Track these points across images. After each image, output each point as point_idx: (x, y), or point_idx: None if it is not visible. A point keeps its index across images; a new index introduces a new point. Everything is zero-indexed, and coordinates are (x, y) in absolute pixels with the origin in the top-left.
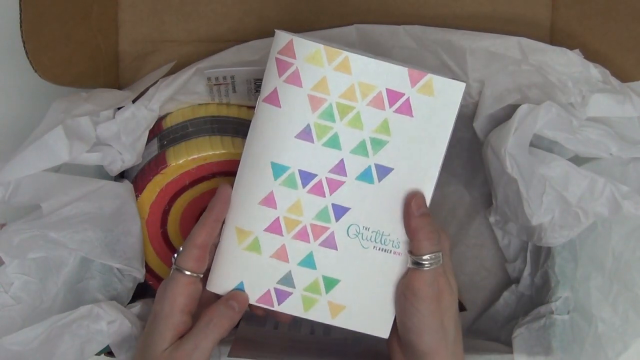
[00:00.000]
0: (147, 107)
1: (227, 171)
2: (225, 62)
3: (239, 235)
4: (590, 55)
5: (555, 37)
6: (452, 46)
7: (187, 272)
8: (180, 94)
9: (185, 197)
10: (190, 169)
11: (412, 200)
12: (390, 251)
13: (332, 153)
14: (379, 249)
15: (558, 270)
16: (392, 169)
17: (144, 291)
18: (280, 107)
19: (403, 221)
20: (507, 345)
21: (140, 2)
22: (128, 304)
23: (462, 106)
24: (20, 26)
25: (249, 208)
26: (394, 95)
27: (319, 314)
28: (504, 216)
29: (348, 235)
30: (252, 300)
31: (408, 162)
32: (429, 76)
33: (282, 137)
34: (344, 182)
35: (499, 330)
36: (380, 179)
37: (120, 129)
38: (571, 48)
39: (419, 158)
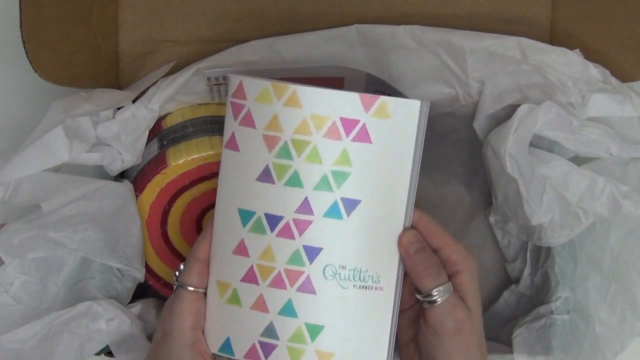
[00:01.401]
0: (147, 107)
1: None
2: (225, 62)
3: (220, 288)
4: (590, 55)
5: (555, 37)
6: (452, 46)
7: (191, 288)
8: (180, 94)
9: (185, 197)
10: (190, 169)
11: (401, 240)
12: (371, 287)
13: (295, 192)
14: (359, 287)
15: (558, 270)
16: (360, 200)
17: (144, 291)
18: (239, 150)
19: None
20: (507, 345)
21: (140, 2)
22: (128, 304)
23: (462, 106)
24: (20, 26)
25: (225, 259)
26: (348, 124)
27: None
28: (504, 216)
29: (325, 277)
30: (240, 356)
31: (375, 191)
32: (382, 99)
33: (244, 182)
34: (312, 220)
35: (499, 330)
36: (348, 213)
37: (120, 129)
38: (571, 48)
39: (385, 184)
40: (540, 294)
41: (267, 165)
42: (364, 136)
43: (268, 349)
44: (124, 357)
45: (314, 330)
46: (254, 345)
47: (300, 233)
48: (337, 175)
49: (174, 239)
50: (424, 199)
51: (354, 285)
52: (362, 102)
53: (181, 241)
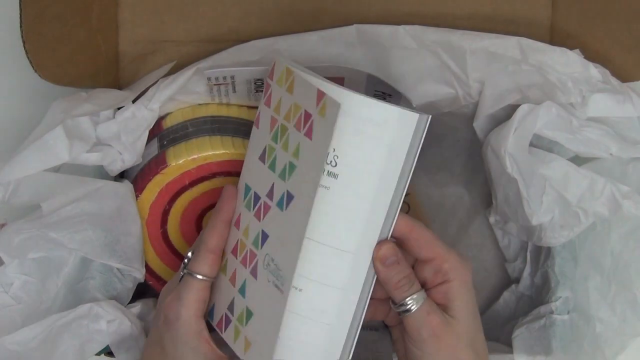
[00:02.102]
0: (147, 107)
1: (227, 171)
2: (225, 62)
3: (223, 256)
4: (590, 55)
5: (555, 37)
6: (452, 46)
7: (200, 277)
8: (180, 94)
9: (185, 197)
10: (190, 169)
11: (377, 253)
12: (279, 288)
13: (270, 175)
14: (273, 284)
15: (558, 270)
16: (294, 196)
17: (144, 291)
18: (258, 128)
19: None
20: (507, 345)
21: (140, 2)
22: (128, 304)
23: (462, 106)
24: (20, 26)
25: (230, 229)
26: (307, 117)
27: (237, 347)
28: (504, 216)
29: (264, 265)
30: (214, 324)
31: (305, 189)
32: (325, 96)
33: (252, 159)
34: (270, 206)
35: (499, 330)
36: (286, 206)
37: (120, 129)
38: (571, 48)
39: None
40: (540, 294)
41: (265, 146)
42: (309, 131)
43: (227, 322)
44: (125, 357)
45: (248, 316)
46: (222, 315)
47: (263, 216)
48: (290, 167)
49: (174, 239)
50: (424, 199)
51: (271, 282)
52: (317, 96)
53: (181, 241)
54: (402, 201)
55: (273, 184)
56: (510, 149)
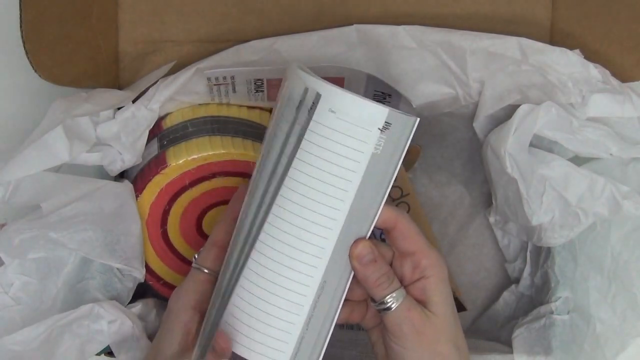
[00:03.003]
0: (147, 107)
1: (227, 171)
2: (225, 62)
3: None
4: (590, 55)
5: (555, 37)
6: (452, 46)
7: (205, 270)
8: (180, 94)
9: (185, 197)
10: (190, 169)
11: (353, 252)
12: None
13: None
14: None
15: (558, 270)
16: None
17: (144, 291)
18: (273, 120)
19: None
20: (507, 345)
21: (140, 2)
22: (128, 304)
23: (462, 106)
24: (20, 26)
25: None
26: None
27: None
28: (504, 216)
29: None
30: None
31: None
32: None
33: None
34: None
35: (499, 330)
36: None
37: (120, 129)
38: (571, 48)
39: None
40: (540, 294)
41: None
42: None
43: None
44: (125, 357)
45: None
46: None
47: None
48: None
49: (174, 239)
50: (424, 199)
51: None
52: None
53: (181, 241)
54: (384, 201)
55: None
56: (510, 149)
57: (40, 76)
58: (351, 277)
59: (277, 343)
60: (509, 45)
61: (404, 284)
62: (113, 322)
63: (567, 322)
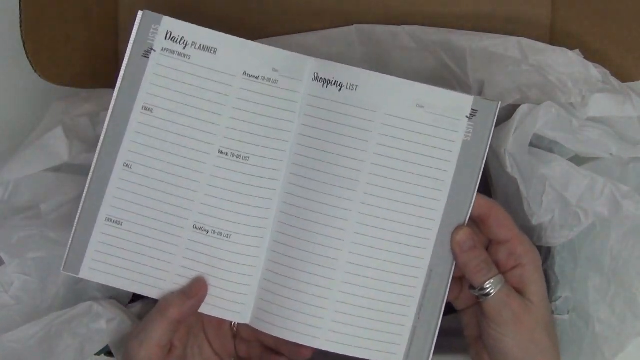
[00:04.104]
0: None
1: None
2: None
3: None
4: (590, 55)
5: (555, 37)
6: (452, 46)
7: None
8: None
9: None
10: None
11: (455, 238)
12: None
13: None
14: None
15: (558, 270)
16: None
17: None
18: None
19: None
20: None
21: (140, 2)
22: (128, 303)
23: None
24: (20, 26)
25: None
26: None
27: None
28: None
29: None
30: None
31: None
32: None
33: None
34: None
35: None
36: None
37: None
38: (571, 48)
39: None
40: None
41: None
42: None
43: None
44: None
45: None
46: None
47: None
48: None
49: None
50: None
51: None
52: None
53: None
54: (477, 187)
55: None
56: (510, 149)
57: (40, 76)
58: (454, 264)
59: (391, 337)
60: (509, 45)
61: (500, 271)
62: (112, 321)
63: (566, 322)
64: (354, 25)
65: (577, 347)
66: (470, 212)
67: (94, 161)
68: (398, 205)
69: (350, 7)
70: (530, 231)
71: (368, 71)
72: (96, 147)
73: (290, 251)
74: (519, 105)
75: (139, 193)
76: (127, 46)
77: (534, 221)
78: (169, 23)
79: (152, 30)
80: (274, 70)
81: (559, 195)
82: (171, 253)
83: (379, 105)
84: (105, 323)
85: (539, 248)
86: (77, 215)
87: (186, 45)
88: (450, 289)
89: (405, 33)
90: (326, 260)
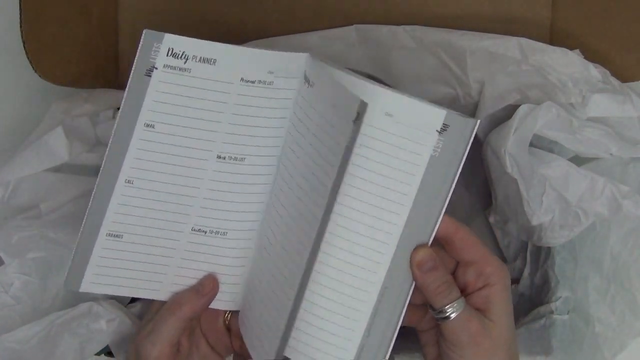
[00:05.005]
0: None
1: None
2: None
3: None
4: (590, 55)
5: (555, 37)
6: (452, 46)
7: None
8: None
9: None
10: None
11: (414, 258)
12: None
13: None
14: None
15: (558, 270)
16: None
17: None
18: None
19: None
20: None
21: (140, 2)
22: (128, 304)
23: (462, 106)
24: (20, 26)
25: None
26: None
27: None
28: (504, 216)
29: None
30: None
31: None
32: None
33: None
34: None
35: None
36: None
37: None
38: (571, 48)
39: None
40: (540, 294)
41: None
42: None
43: None
44: (124, 356)
45: None
46: None
47: None
48: None
49: None
50: None
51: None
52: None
53: None
54: (445, 207)
55: None
56: (510, 149)
57: (40, 76)
58: (414, 284)
59: (337, 350)
60: (509, 45)
61: (467, 292)
62: (112, 321)
63: (566, 322)
64: (354, 25)
65: (577, 347)
66: (434, 232)
67: (97, 180)
68: (357, 215)
69: (350, 7)
70: (530, 231)
71: (339, 71)
72: (96, 147)
73: (269, 247)
74: (519, 105)
75: (139, 206)
76: (126, 46)
77: (534, 221)
78: (170, 40)
79: (154, 49)
80: (270, 72)
81: (559, 195)
82: (170, 256)
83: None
84: (105, 323)
85: (539, 248)
86: (80, 233)
87: (187, 59)
88: (415, 313)
89: (405, 33)
90: (294, 257)
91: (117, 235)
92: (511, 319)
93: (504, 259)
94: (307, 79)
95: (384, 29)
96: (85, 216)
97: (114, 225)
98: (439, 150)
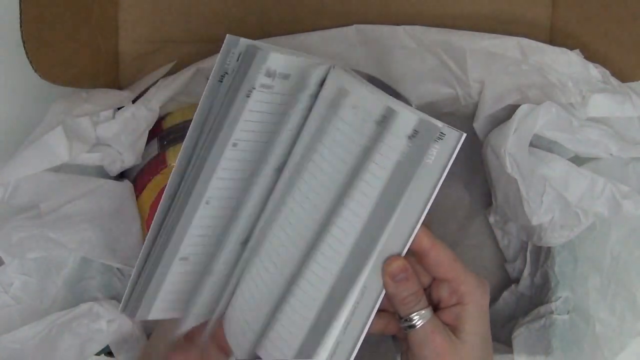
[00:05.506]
0: (147, 107)
1: None
2: None
3: None
4: (590, 55)
5: (555, 37)
6: (452, 46)
7: None
8: (180, 94)
9: None
10: None
11: (387, 269)
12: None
13: None
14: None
15: (558, 270)
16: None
17: None
18: None
19: None
20: (507, 345)
21: (140, 2)
22: None
23: (462, 106)
24: (20, 26)
25: None
26: None
27: None
28: (504, 216)
29: None
30: None
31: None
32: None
33: None
34: None
35: (499, 330)
36: None
37: (120, 129)
38: (571, 48)
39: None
40: (540, 294)
41: None
42: None
43: None
44: (125, 357)
45: None
46: None
47: None
48: None
49: None
50: None
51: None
52: None
53: None
54: (422, 217)
55: None
56: (510, 149)
57: (40, 76)
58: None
59: (315, 346)
60: (509, 45)
61: (440, 307)
62: (112, 322)
63: (566, 322)
64: (354, 25)
65: (577, 347)
66: (409, 243)
67: (178, 203)
68: (343, 212)
69: (350, 7)
70: (530, 231)
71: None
72: (96, 147)
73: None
74: (519, 105)
75: (208, 225)
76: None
77: (534, 221)
78: (272, 59)
79: (259, 70)
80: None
81: (559, 195)
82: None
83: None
84: (105, 323)
85: (539, 248)
86: (148, 258)
87: (275, 77)
88: (393, 321)
89: (405, 33)
90: (274, 249)
91: (186, 258)
92: (484, 340)
93: (503, 259)
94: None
95: (384, 29)
96: (161, 241)
97: (186, 249)
98: (432, 158)
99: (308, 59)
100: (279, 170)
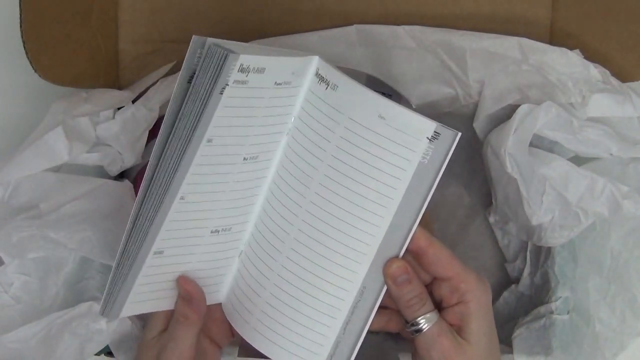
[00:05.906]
0: (147, 107)
1: None
2: None
3: None
4: (590, 55)
5: (555, 37)
6: (452, 46)
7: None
8: None
9: None
10: None
11: (388, 270)
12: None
13: None
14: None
15: (558, 270)
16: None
17: None
18: None
19: None
20: (507, 345)
21: (140, 2)
22: None
23: (462, 106)
24: (20, 26)
25: None
26: None
27: None
28: (504, 216)
29: None
30: None
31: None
32: None
33: None
34: None
35: (499, 330)
36: None
37: (120, 129)
38: (571, 48)
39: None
40: (540, 294)
41: None
42: None
43: None
44: (124, 357)
45: None
46: None
47: None
48: None
49: None
50: None
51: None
52: None
53: None
54: (420, 217)
55: None
56: (510, 149)
57: (40, 76)
58: (385, 289)
59: (312, 345)
60: (509, 45)
61: (442, 307)
62: (112, 321)
63: (567, 322)
64: (354, 25)
65: (577, 347)
66: (407, 242)
67: (149, 200)
68: (342, 214)
69: (350, 7)
70: (530, 231)
71: (346, 76)
72: (96, 147)
73: (252, 241)
74: (519, 105)
75: (183, 219)
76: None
77: (534, 221)
78: (244, 59)
79: (232, 68)
80: (292, 73)
81: (559, 195)
82: (194, 261)
83: (345, 108)
84: (105, 323)
85: (539, 248)
86: (123, 256)
87: (249, 72)
88: (393, 318)
89: (405, 33)
90: (272, 251)
91: (160, 252)
92: (488, 339)
93: (504, 259)
94: (325, 80)
95: (384, 29)
96: (132, 238)
97: (160, 243)
98: (427, 157)
99: (280, 54)
100: (246, 159)
